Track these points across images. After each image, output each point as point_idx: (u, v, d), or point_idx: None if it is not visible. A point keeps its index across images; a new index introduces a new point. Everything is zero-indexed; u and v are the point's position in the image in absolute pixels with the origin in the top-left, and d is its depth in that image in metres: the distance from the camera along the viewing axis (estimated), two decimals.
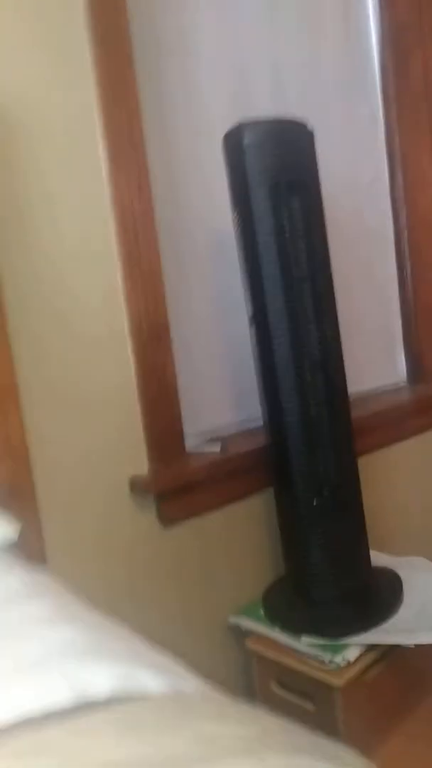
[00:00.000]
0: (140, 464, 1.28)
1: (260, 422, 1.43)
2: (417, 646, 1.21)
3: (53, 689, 0.50)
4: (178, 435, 1.33)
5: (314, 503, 1.27)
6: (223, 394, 1.52)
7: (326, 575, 1.29)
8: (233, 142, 1.23)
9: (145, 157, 1.27)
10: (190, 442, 1.38)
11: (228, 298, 1.50)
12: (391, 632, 1.26)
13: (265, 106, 1.55)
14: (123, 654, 0.57)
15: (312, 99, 1.65)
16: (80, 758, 0.40)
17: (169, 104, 1.42)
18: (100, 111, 1.21)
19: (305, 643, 1.24)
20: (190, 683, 0.57)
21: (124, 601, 1.23)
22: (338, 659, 1.20)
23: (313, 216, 1.26)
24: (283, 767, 0.39)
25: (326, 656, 1.21)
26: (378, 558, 1.44)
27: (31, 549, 0.90)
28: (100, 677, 0.51)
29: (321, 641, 1.24)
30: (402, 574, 1.42)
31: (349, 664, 1.20)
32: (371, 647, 1.23)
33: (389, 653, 1.26)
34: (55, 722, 0.45)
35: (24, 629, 0.57)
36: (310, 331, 1.25)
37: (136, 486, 1.26)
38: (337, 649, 1.22)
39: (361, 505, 1.33)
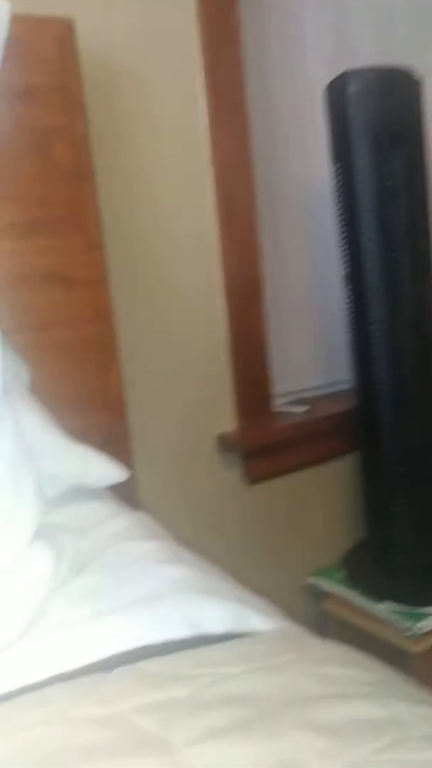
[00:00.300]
0: (228, 421, 1.29)
1: (346, 386, 1.41)
2: None
3: (170, 622, 0.51)
4: (267, 394, 1.33)
5: (401, 469, 1.24)
6: (310, 355, 1.50)
7: (410, 543, 1.27)
8: (337, 90, 1.18)
9: (245, 109, 1.25)
10: (276, 402, 1.38)
11: (321, 256, 1.46)
12: None
13: (370, 57, 1.48)
14: (232, 595, 0.58)
15: (418, 47, 1.56)
16: (211, 689, 0.41)
17: (273, 55, 1.38)
18: (203, 60, 1.20)
19: (385, 609, 1.24)
20: (293, 628, 0.58)
21: (205, 553, 1.26)
22: (417, 627, 1.19)
23: (417, 171, 1.20)
24: (411, 714, 0.40)
25: (405, 623, 1.20)
26: None
27: (124, 496, 0.93)
28: (214, 614, 0.53)
29: (401, 608, 1.23)
30: None
31: (428, 633, 1.19)
32: None
33: None
34: (176, 653, 0.47)
35: (140, 564, 0.59)
36: (406, 292, 1.21)
37: (224, 443, 1.28)
38: (417, 618, 1.20)
39: None
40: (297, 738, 0.37)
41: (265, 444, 1.32)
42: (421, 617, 1.20)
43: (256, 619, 0.54)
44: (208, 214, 1.24)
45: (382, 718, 0.39)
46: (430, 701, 0.44)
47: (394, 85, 1.18)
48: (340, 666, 0.45)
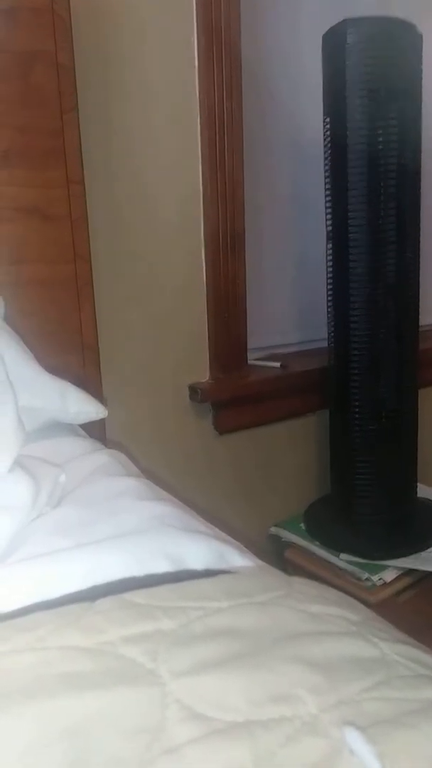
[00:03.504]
0: (202, 371, 1.28)
1: (321, 344, 1.41)
2: None
3: (152, 556, 0.51)
4: (242, 347, 1.32)
5: (371, 427, 1.26)
6: (287, 312, 1.49)
7: (372, 498, 1.30)
8: (335, 39, 1.14)
9: (239, 54, 1.19)
10: (251, 356, 1.37)
11: (305, 213, 1.44)
12: (429, 561, 1.28)
13: (369, 9, 1.44)
14: (210, 532, 0.58)
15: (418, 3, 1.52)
16: (200, 622, 0.41)
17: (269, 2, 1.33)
18: (197, 5, 1.15)
19: (344, 560, 1.27)
20: (272, 568, 0.58)
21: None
22: (375, 578, 1.23)
23: (410, 128, 1.18)
24: (397, 654, 0.40)
25: (363, 574, 1.23)
26: (423, 490, 1.45)
27: (93, 437, 0.92)
28: (197, 550, 0.53)
29: (359, 560, 1.26)
30: None
31: (385, 584, 1.23)
32: (407, 572, 1.26)
33: (424, 580, 1.28)
34: (161, 586, 0.46)
35: (120, 500, 0.58)
36: (389, 252, 1.20)
37: (196, 393, 1.27)
38: (374, 569, 1.24)
39: (416, 434, 1.32)
40: (289, 672, 0.36)
41: (236, 396, 1.32)
42: (378, 569, 1.24)
43: (237, 557, 0.54)
44: (194, 166, 1.20)
45: (370, 657, 0.39)
46: (412, 642, 0.45)
47: (395, 37, 1.14)
48: (325, 604, 0.45)
